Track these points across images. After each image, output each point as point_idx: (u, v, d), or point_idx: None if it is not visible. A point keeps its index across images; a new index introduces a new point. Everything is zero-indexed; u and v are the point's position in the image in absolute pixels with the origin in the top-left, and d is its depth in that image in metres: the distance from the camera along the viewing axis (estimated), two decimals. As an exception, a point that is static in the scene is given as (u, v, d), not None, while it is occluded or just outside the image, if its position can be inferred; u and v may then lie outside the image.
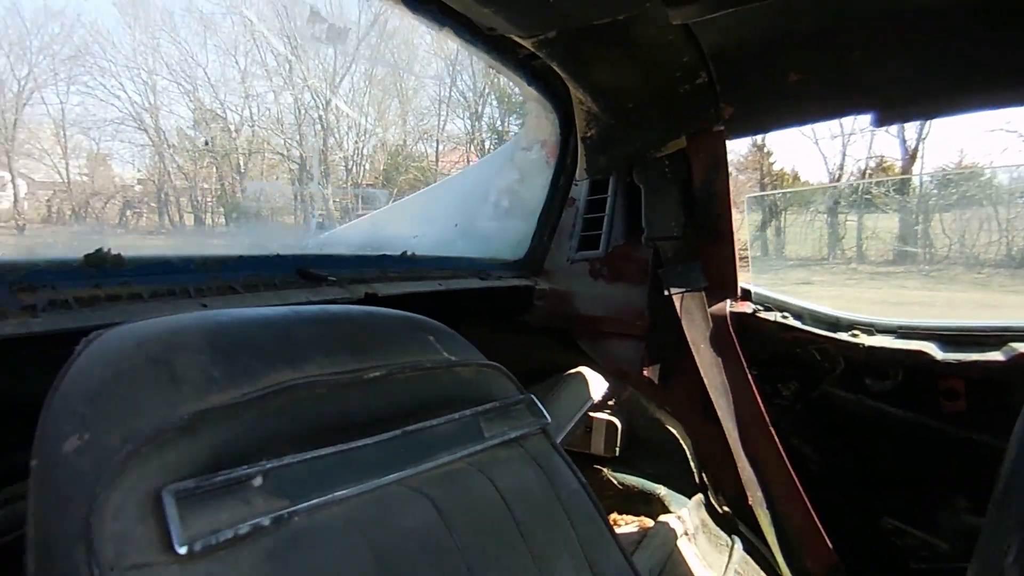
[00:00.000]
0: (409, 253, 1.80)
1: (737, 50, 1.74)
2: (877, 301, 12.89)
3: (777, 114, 1.90)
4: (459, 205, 2.49)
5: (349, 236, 2.52)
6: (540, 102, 2.14)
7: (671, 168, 2.02)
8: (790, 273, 16.81)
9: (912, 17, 1.52)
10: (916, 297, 13.64)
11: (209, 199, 24.30)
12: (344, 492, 0.68)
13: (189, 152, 23.64)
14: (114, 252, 1.06)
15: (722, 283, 2.03)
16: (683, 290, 2.02)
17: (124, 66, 22.48)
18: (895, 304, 12.48)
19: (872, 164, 21.26)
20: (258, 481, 0.61)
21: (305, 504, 0.64)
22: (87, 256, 1.04)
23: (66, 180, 22.81)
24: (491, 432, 0.91)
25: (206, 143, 22.83)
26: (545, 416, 1.01)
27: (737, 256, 2.04)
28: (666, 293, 2.03)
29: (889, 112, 1.74)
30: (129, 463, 0.56)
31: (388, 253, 1.75)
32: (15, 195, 21.67)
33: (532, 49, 1.66)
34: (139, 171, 24.29)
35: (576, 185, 2.26)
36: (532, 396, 1.03)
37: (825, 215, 18.02)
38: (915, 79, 1.65)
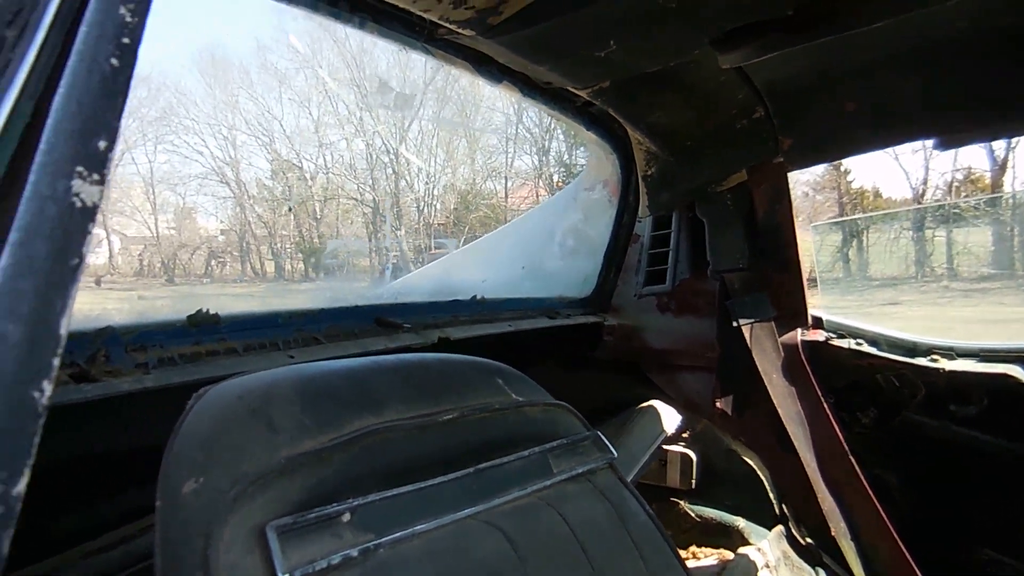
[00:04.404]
0: (479, 297, 1.87)
1: (791, 84, 1.75)
2: (973, 320, 12.27)
3: (837, 144, 1.90)
4: (525, 247, 2.57)
5: (422, 283, 2.62)
6: (600, 145, 2.20)
7: (733, 201, 2.04)
8: (876, 294, 16.25)
9: (967, 41, 1.51)
10: (1017, 314, 12.94)
11: (288, 245, 25.20)
12: (423, 526, 0.75)
13: (268, 202, 24.64)
14: (212, 312, 1.17)
15: (792, 312, 2.02)
16: (752, 320, 2.02)
17: (206, 123, 23.83)
18: (994, 322, 11.87)
19: (959, 176, 20.47)
20: (346, 517, 0.69)
21: (388, 537, 0.71)
22: (189, 316, 1.16)
23: (155, 234, 24.13)
24: (559, 468, 0.96)
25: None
26: (611, 451, 1.06)
27: (806, 284, 2.04)
28: (735, 324, 2.04)
29: (953, 136, 1.72)
30: (237, 503, 0.64)
31: (459, 298, 1.83)
32: (110, 251, 23.03)
33: (588, 98, 1.73)
34: (222, 222, 25.51)
35: (640, 222, 2.30)
36: (598, 433, 1.07)
37: (911, 231, 17.37)
38: (978, 101, 1.63)
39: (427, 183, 24.34)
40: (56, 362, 0.33)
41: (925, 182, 20.85)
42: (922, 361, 1.90)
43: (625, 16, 1.35)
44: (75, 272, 0.33)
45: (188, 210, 25.41)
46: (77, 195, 0.34)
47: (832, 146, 1.91)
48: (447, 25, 1.33)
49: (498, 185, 25.10)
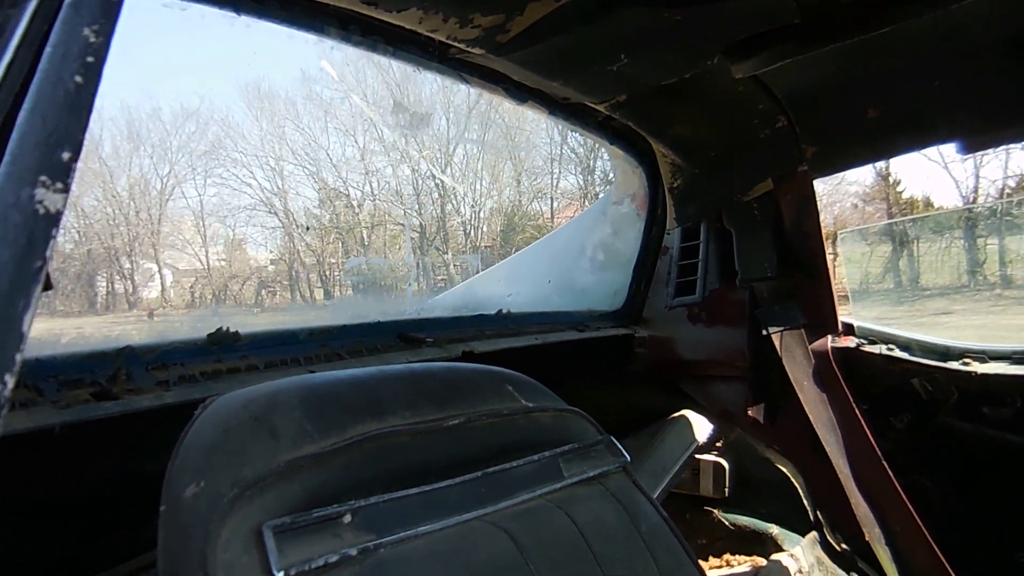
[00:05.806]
0: (504, 311, 1.88)
1: (812, 93, 1.76)
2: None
3: (860, 150, 1.89)
4: (553, 263, 2.58)
5: (447, 301, 2.64)
6: (626, 159, 2.21)
7: (760, 210, 2.04)
8: (928, 303, 15.85)
9: (982, 45, 1.51)
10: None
11: (336, 272, 25.46)
12: (427, 527, 0.75)
13: (316, 230, 24.97)
14: (232, 330, 1.21)
15: (821, 319, 2.01)
16: (781, 328, 2.01)
17: (253, 155, 24.15)
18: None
19: (1011, 184, 19.92)
20: (347, 518, 0.70)
21: (390, 538, 0.71)
22: (209, 335, 1.19)
23: (206, 266, 24.62)
24: (570, 472, 0.94)
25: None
26: (624, 455, 1.04)
27: (835, 292, 2.02)
28: (764, 333, 2.03)
29: (976, 139, 1.71)
30: (236, 504, 0.66)
31: (484, 312, 1.84)
32: (162, 284, 23.62)
33: (607, 112, 1.75)
34: (271, 252, 25.89)
35: (668, 234, 2.30)
36: (611, 438, 1.05)
37: (962, 240, 16.94)
38: (1000, 103, 1.61)
39: (473, 206, 24.47)
40: (19, 357, 0.36)
41: (976, 190, 20.30)
42: (954, 365, 1.89)
43: (634, 30, 1.37)
44: (38, 274, 0.36)
45: (238, 241, 25.87)
46: (40, 202, 0.37)
47: (855, 153, 1.91)
48: (456, 44, 1.36)
49: (544, 206, 25.12)
